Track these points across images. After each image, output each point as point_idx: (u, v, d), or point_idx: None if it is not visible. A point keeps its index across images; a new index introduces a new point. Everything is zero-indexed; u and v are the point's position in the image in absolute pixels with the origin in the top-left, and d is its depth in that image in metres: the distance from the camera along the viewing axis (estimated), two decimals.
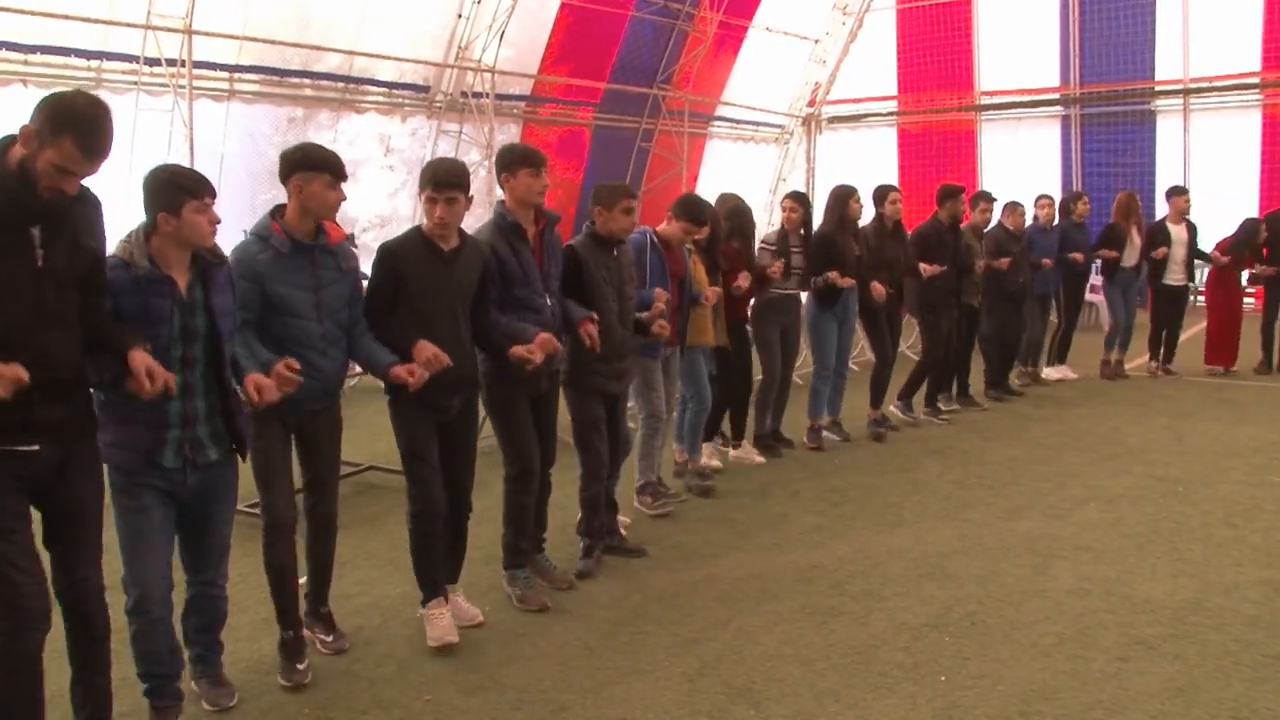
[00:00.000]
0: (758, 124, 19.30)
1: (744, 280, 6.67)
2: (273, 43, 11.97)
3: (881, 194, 7.98)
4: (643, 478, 6.22)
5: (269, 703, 3.82)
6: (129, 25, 10.61)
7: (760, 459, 7.34)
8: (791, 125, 19.70)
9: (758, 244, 7.30)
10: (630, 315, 5.23)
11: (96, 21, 10.37)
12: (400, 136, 13.96)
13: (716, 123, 18.57)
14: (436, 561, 4.40)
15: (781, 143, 19.82)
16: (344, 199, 3.93)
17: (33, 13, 9.79)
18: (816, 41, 18.79)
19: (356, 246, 4.85)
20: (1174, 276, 10.44)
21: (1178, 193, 10.59)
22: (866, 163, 17.80)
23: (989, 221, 8.96)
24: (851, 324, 7.88)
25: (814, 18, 18.39)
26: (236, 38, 11.61)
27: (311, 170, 3.84)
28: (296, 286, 3.86)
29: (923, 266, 8.07)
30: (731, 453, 7.39)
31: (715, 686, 3.97)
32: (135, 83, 11.00)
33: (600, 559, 5.29)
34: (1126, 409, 9.11)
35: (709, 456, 7.12)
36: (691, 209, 5.99)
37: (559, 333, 4.61)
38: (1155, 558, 5.32)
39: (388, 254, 4.18)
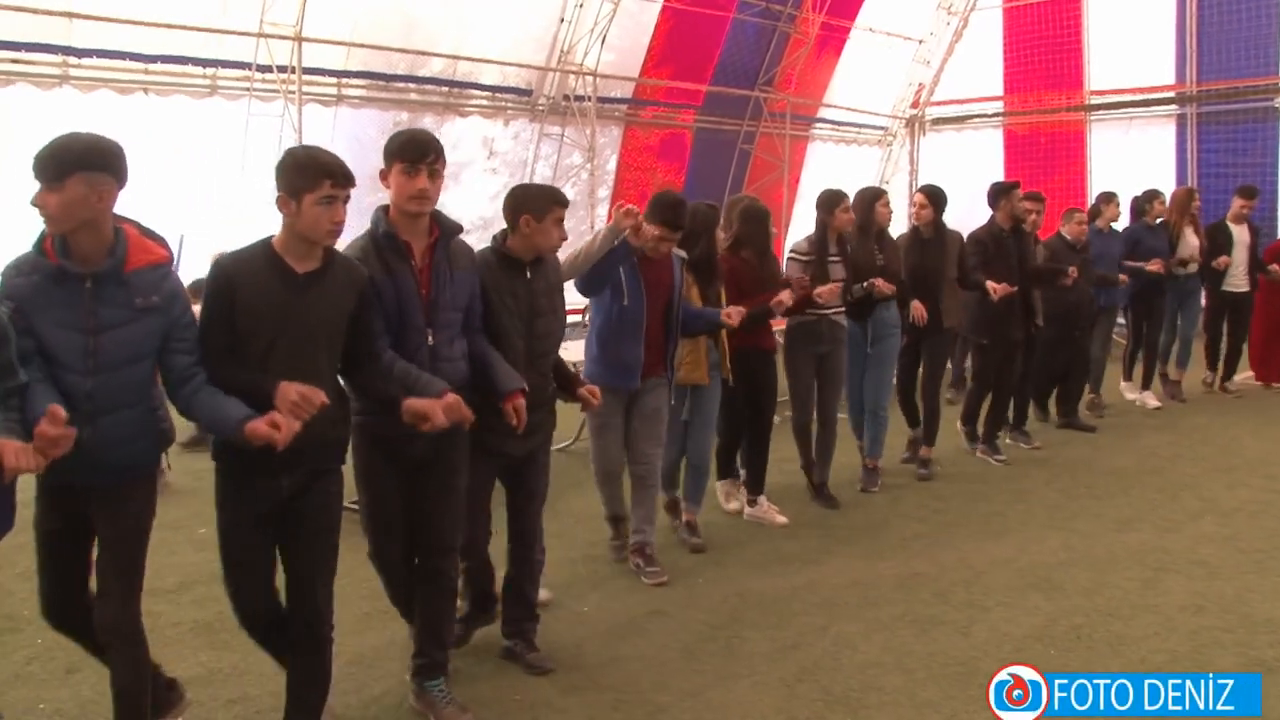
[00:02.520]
0: (860, 126, 19.07)
1: (787, 297, 5.54)
2: (379, 48, 12.23)
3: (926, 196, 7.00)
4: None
5: (370, 695, 3.87)
6: (242, 34, 10.93)
7: (782, 519, 6.01)
8: (895, 127, 19.41)
9: (785, 254, 6.37)
10: (544, 357, 4.11)
11: (212, 31, 10.72)
12: (503, 139, 14.11)
13: (818, 125, 18.39)
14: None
15: (884, 145, 19.55)
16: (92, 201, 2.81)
17: (153, 24, 10.20)
18: (920, 42, 18.48)
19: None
20: (1235, 282, 9.48)
21: (1244, 193, 9.67)
22: (971, 165, 17.40)
23: (1037, 225, 7.80)
24: (885, 352, 6.61)
25: (918, 18, 18.08)
26: (344, 44, 11.91)
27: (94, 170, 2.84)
28: (60, 325, 2.85)
29: (991, 286, 6.85)
30: (747, 510, 6.11)
31: (813, 693, 3.93)
32: (248, 89, 11.33)
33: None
34: (1244, 418, 8.78)
35: (727, 498, 6.28)
36: (666, 209, 4.83)
37: (462, 390, 3.50)
38: (1276, 575, 5.11)
39: (220, 273, 3.14)
